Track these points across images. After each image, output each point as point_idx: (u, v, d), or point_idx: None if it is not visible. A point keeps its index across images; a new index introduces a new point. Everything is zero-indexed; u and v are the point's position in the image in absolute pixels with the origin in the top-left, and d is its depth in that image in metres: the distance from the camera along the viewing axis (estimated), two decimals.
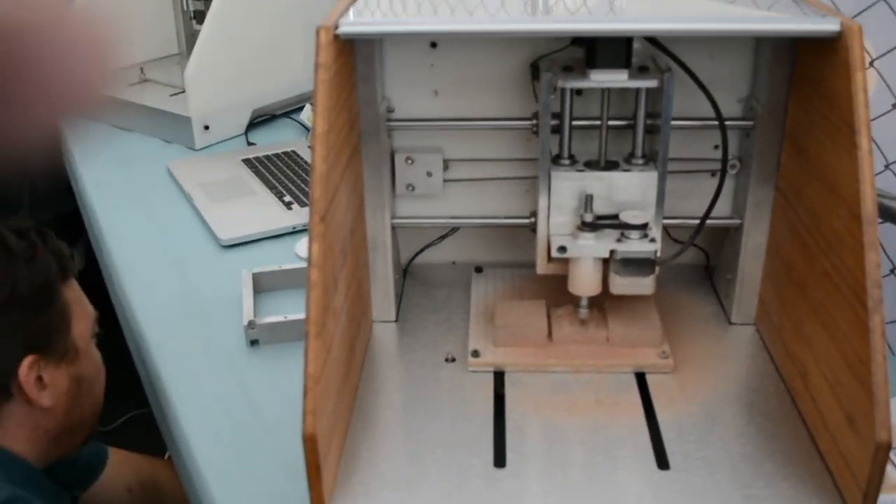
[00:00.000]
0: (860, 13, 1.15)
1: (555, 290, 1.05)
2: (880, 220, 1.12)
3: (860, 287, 0.75)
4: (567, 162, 0.97)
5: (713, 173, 1.05)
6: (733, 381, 0.95)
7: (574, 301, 0.99)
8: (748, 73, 1.00)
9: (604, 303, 0.99)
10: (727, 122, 0.97)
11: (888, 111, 1.17)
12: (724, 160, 0.96)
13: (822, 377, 0.83)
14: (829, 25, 0.80)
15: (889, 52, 1.16)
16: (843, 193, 0.79)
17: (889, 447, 0.71)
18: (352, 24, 0.84)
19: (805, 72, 0.90)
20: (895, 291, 1.24)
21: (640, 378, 0.96)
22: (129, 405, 2.48)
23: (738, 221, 1.02)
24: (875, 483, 0.72)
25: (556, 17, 0.93)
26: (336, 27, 0.83)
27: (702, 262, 1.15)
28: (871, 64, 1.17)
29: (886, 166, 1.19)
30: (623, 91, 0.99)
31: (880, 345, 0.72)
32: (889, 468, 0.77)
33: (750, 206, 0.99)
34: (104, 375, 1.27)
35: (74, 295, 1.19)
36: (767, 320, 1.00)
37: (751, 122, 0.98)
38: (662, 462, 0.84)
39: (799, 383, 0.90)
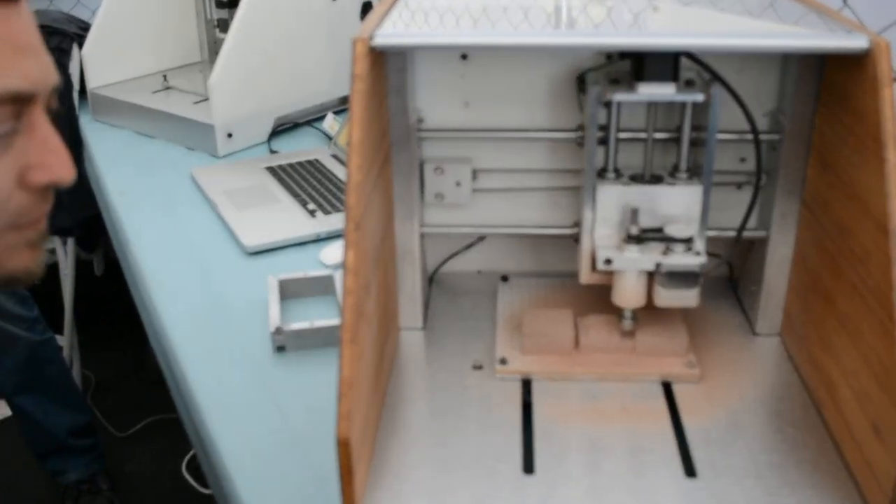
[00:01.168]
0: (885, 29, 1.17)
1: (581, 299, 1.07)
2: None
3: (887, 299, 0.76)
4: (612, 175, 0.98)
5: (739, 186, 1.06)
6: (759, 390, 0.96)
7: (614, 311, 1.00)
8: (775, 87, 1.01)
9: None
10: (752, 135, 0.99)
11: None
12: (759, 173, 0.97)
13: (848, 388, 0.84)
14: (858, 42, 0.81)
15: None
16: (870, 207, 0.80)
17: None
18: (386, 35, 0.86)
19: (832, 86, 0.91)
20: None
21: (667, 387, 0.97)
22: (147, 411, 2.51)
23: (763, 233, 1.03)
24: None
25: (585, 30, 0.95)
26: (371, 38, 0.84)
27: (725, 273, 1.16)
28: None
29: None
30: (668, 105, 1.00)
31: None
32: None
33: (776, 218, 1.00)
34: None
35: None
36: (792, 331, 1.01)
37: (777, 136, 0.99)
38: (689, 470, 0.85)
39: (824, 394, 0.90)
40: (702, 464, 0.86)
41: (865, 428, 0.80)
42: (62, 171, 0.77)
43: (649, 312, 1.00)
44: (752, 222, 1.06)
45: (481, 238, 1.15)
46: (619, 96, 0.93)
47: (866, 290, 0.81)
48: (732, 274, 1.15)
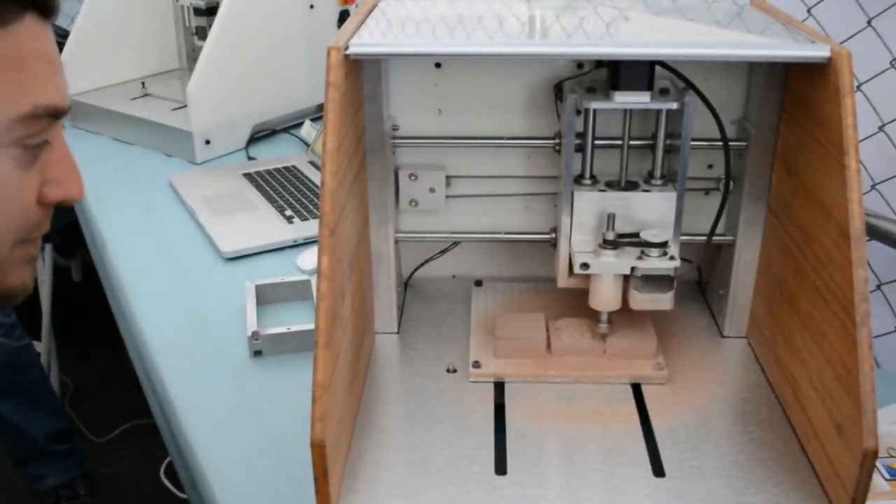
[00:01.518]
0: (847, 39, 1.19)
1: (553, 303, 1.09)
2: (867, 238, 1.16)
3: (848, 301, 0.78)
4: (589, 182, 1.00)
5: (706, 192, 1.08)
6: (726, 391, 0.98)
7: (585, 315, 1.03)
8: (741, 95, 1.04)
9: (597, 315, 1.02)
10: (721, 143, 1.01)
11: (874, 133, 1.20)
12: (728, 180, 1.00)
13: (812, 388, 0.86)
14: (820, 52, 0.84)
15: (876, 76, 1.20)
16: (832, 212, 0.82)
17: (875, 454, 0.74)
18: (361, 45, 0.87)
19: (796, 95, 0.93)
20: (881, 306, 1.27)
21: (636, 389, 0.99)
22: (125, 416, 2.51)
23: (730, 238, 1.05)
24: (862, 489, 0.76)
25: (558, 40, 0.97)
26: (346, 48, 0.86)
27: (695, 277, 1.18)
28: (859, 88, 1.20)
29: (873, 186, 1.22)
30: (643, 112, 1.02)
31: (867, 356, 0.76)
32: (875, 476, 0.81)
33: (742, 223, 1.03)
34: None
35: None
36: (759, 334, 1.03)
37: (744, 143, 1.02)
38: (658, 469, 0.87)
39: (789, 394, 0.93)
40: (670, 464, 0.88)
41: (829, 427, 0.82)
42: (75, 189, 0.77)
43: (620, 316, 1.02)
44: (720, 227, 1.09)
45: (456, 243, 1.17)
46: (596, 104, 0.95)
47: (828, 293, 0.83)
48: (701, 278, 1.17)
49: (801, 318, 0.90)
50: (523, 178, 1.11)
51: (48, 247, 2.55)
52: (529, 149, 1.08)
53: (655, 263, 0.95)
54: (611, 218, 0.96)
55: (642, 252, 0.96)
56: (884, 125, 1.15)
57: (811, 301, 0.87)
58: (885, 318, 1.36)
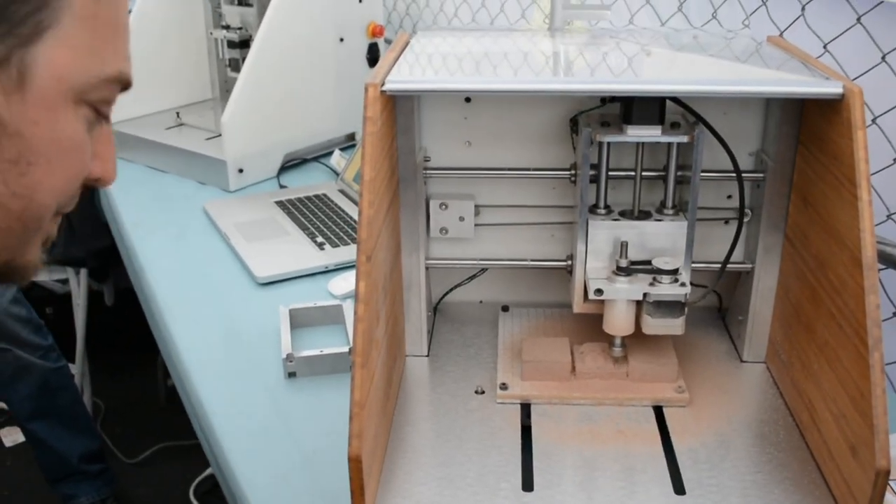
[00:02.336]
0: (860, 76, 1.23)
1: (577, 328, 1.13)
2: (882, 266, 1.19)
3: (861, 327, 0.82)
4: (603, 211, 1.05)
5: (726, 221, 1.12)
6: (745, 414, 1.02)
7: (608, 340, 1.07)
8: (758, 129, 1.08)
9: (624, 341, 1.06)
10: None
11: (889, 165, 1.24)
12: (742, 210, 1.04)
13: (828, 410, 0.90)
14: (833, 88, 0.88)
15: (890, 110, 1.24)
16: (845, 241, 0.86)
17: (888, 474, 0.78)
18: (396, 81, 0.92)
19: (811, 129, 0.98)
20: None
21: (658, 411, 1.02)
22: (155, 437, 2.56)
23: (749, 266, 1.09)
24: None
25: (580, 77, 1.02)
26: (382, 84, 0.91)
27: (715, 304, 1.22)
28: (874, 121, 1.24)
29: (889, 216, 1.26)
30: (655, 145, 1.07)
31: (880, 379, 0.79)
32: (888, 495, 0.84)
33: (760, 252, 1.07)
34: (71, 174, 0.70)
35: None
36: (777, 358, 1.07)
37: (761, 175, 1.06)
38: (679, 488, 0.90)
39: (806, 416, 0.96)
40: (690, 483, 0.91)
41: (843, 448, 0.85)
42: (112, 169, 0.75)
43: (642, 340, 1.06)
44: (739, 255, 1.13)
45: (483, 270, 1.21)
46: (609, 138, 1.00)
47: (843, 319, 0.87)
48: (721, 304, 1.21)
49: (817, 343, 0.93)
50: (549, 207, 1.15)
51: (83, 271, 2.61)
52: (554, 179, 1.13)
53: (667, 290, 1.00)
54: (624, 246, 1.01)
55: (654, 279, 1.00)
56: None
57: (826, 327, 0.91)
58: None
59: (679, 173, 1.04)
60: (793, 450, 0.95)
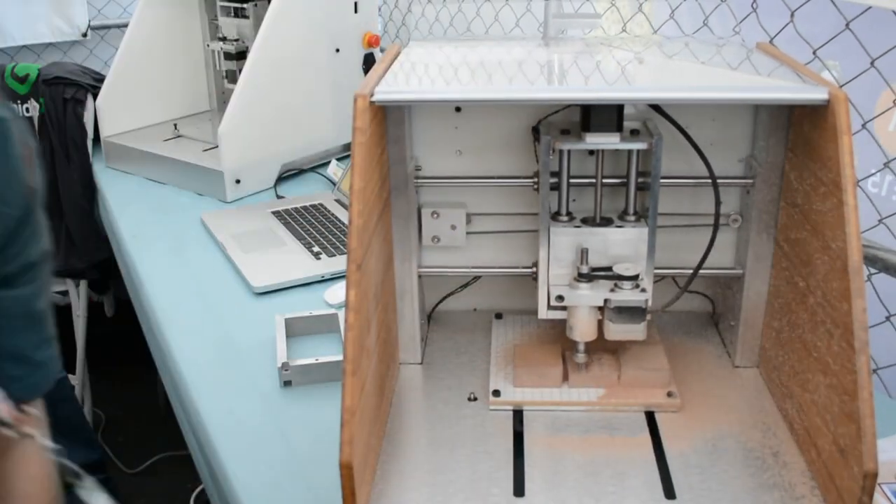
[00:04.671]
0: (847, 82, 1.24)
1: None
2: (875, 271, 1.20)
3: (849, 331, 0.82)
4: (565, 218, 1.05)
5: (713, 226, 1.13)
6: (736, 418, 1.02)
7: (603, 348, 1.07)
8: (748, 134, 1.09)
9: (616, 347, 1.07)
10: (728, 180, 1.06)
11: (880, 170, 1.25)
12: (717, 214, 1.04)
13: (818, 414, 0.90)
14: (818, 94, 0.89)
15: (881, 114, 1.24)
16: (832, 245, 0.87)
17: (875, 476, 0.78)
18: (385, 92, 0.93)
19: (799, 135, 0.98)
20: (894, 337, 1.30)
21: (650, 416, 1.03)
22: (156, 448, 2.56)
23: (740, 272, 1.09)
24: None
25: (568, 86, 1.03)
26: (371, 95, 0.92)
27: (707, 309, 1.22)
28: (864, 126, 1.25)
29: (880, 220, 1.26)
30: (617, 152, 1.07)
31: (866, 382, 0.80)
32: (877, 496, 0.84)
33: (751, 257, 1.07)
34: None
35: None
36: (768, 363, 1.07)
37: (751, 180, 1.06)
38: (669, 492, 0.91)
39: (797, 420, 0.97)
40: (681, 487, 0.91)
41: (832, 451, 0.86)
42: None
43: (633, 346, 1.06)
44: (729, 261, 1.13)
45: (476, 278, 1.22)
46: (568, 145, 1.01)
47: (831, 323, 0.87)
48: (714, 310, 1.22)
49: (807, 347, 0.94)
50: (535, 215, 1.15)
51: (83, 283, 2.62)
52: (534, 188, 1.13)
53: (627, 296, 1.00)
54: (584, 252, 1.02)
55: (615, 285, 1.01)
56: (889, 161, 1.20)
57: (815, 331, 0.91)
58: None
59: (641, 180, 1.04)
60: (784, 454, 0.96)
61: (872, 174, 1.25)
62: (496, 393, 1.06)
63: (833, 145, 0.87)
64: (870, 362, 0.81)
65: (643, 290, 1.00)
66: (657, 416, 1.03)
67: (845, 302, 0.83)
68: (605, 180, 1.06)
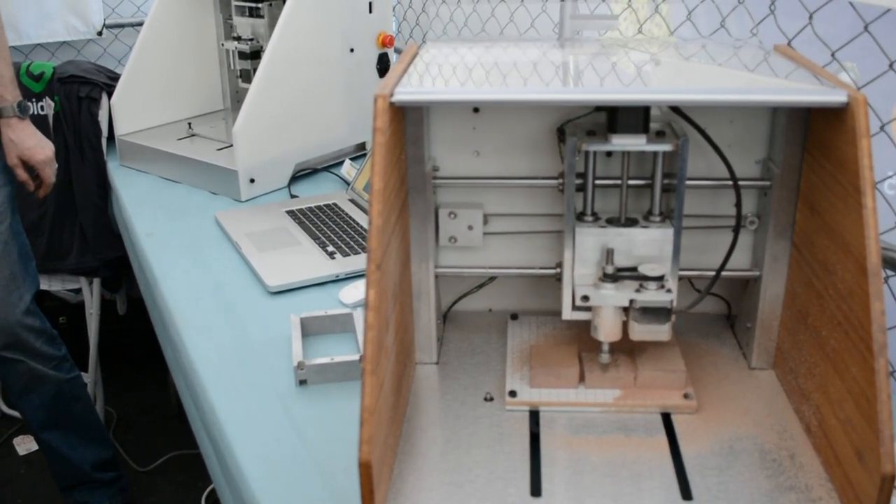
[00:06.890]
0: (865, 84, 1.24)
1: (585, 336, 1.13)
2: (892, 273, 1.20)
3: (867, 333, 0.82)
4: (590, 219, 1.06)
5: (734, 229, 1.13)
6: (752, 420, 1.02)
7: (619, 348, 1.07)
8: (765, 137, 1.09)
9: (633, 348, 1.07)
10: (746, 182, 1.06)
11: None
12: (739, 216, 1.04)
13: (835, 416, 0.90)
14: (837, 97, 0.89)
15: None
16: (851, 248, 0.87)
17: (893, 479, 0.78)
18: (405, 92, 0.94)
19: (817, 137, 0.98)
20: None
21: (666, 417, 1.03)
22: (167, 446, 2.57)
23: (756, 273, 1.10)
24: None
25: (588, 87, 1.03)
26: (391, 95, 0.92)
27: (723, 311, 1.22)
28: (882, 128, 1.25)
29: None
30: (642, 153, 1.08)
31: (885, 385, 0.80)
32: (894, 499, 0.84)
33: (768, 259, 1.07)
34: None
35: None
36: (784, 365, 1.07)
37: (768, 182, 1.06)
38: (686, 493, 0.91)
39: (813, 422, 0.97)
40: (698, 488, 0.92)
41: (850, 453, 0.86)
42: None
43: (649, 347, 1.06)
44: (746, 263, 1.13)
45: (492, 278, 1.22)
46: (594, 147, 1.01)
47: (849, 325, 0.87)
48: (730, 312, 1.22)
49: (824, 349, 0.94)
50: (557, 216, 1.16)
51: (96, 281, 2.63)
52: (555, 188, 1.14)
53: (652, 296, 1.00)
54: (610, 253, 1.02)
55: (641, 285, 1.01)
56: None
57: (833, 333, 0.91)
58: None
59: (667, 181, 1.04)
60: (800, 455, 0.96)
61: (889, 176, 1.25)
62: (513, 393, 1.06)
63: (851, 148, 0.87)
64: (888, 365, 0.81)
65: (668, 291, 1.00)
66: (673, 418, 1.03)
67: (863, 304, 0.83)
68: (630, 181, 1.06)
